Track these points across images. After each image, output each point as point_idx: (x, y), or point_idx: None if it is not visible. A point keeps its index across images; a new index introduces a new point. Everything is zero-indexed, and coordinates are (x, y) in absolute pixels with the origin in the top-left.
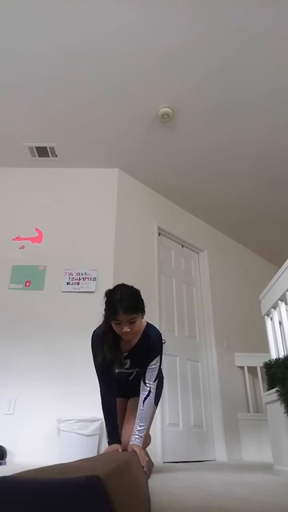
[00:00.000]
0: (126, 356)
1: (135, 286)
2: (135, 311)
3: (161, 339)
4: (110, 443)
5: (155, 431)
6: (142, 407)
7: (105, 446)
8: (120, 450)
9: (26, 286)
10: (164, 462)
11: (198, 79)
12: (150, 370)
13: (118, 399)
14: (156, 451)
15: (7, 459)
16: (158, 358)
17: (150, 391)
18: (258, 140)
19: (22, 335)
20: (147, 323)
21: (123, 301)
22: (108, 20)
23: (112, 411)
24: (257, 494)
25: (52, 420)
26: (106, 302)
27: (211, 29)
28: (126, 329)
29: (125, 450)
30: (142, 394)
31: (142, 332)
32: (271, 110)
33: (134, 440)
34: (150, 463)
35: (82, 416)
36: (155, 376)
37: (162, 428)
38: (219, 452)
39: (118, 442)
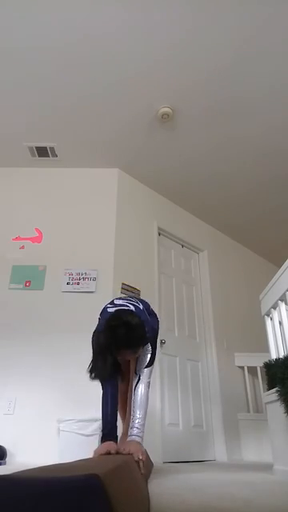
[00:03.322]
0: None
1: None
2: (139, 347)
3: (154, 330)
4: (103, 439)
5: (155, 431)
6: (134, 394)
7: None
8: (113, 452)
9: (26, 286)
10: (164, 462)
11: (198, 79)
12: (142, 356)
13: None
14: (156, 451)
15: (7, 459)
16: (149, 348)
17: (139, 378)
18: (258, 140)
19: (22, 335)
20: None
21: (126, 341)
22: (108, 20)
23: (110, 402)
24: (257, 494)
25: (52, 420)
26: (108, 335)
27: (211, 28)
28: (129, 356)
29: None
30: (133, 382)
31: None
32: (271, 109)
33: (132, 433)
34: (150, 463)
35: (81, 416)
36: (146, 363)
37: (162, 428)
38: (219, 452)
39: (113, 437)
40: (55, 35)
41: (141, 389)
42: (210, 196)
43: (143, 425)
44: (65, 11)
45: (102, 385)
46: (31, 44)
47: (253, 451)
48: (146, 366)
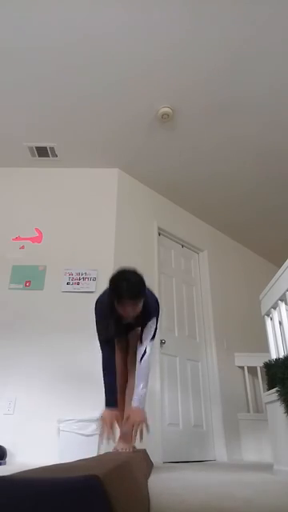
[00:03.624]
0: (128, 326)
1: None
2: (140, 298)
3: (157, 303)
4: (106, 404)
5: (155, 431)
6: (139, 366)
7: (105, 446)
8: (118, 420)
9: (26, 286)
10: (164, 462)
11: (198, 79)
12: (147, 329)
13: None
14: (156, 451)
15: (7, 459)
16: (154, 320)
17: (145, 350)
18: (258, 139)
19: (22, 335)
20: None
21: (129, 291)
22: (108, 20)
23: (111, 370)
24: (257, 495)
25: (52, 420)
26: (110, 288)
27: (211, 28)
28: (130, 311)
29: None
30: (139, 354)
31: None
32: (271, 109)
33: (134, 401)
34: (150, 463)
35: (81, 416)
36: (151, 335)
37: (162, 428)
38: (219, 452)
39: (115, 404)
40: (55, 35)
41: (146, 361)
42: (210, 196)
43: (145, 393)
44: (65, 11)
45: (102, 350)
46: (31, 44)
47: (253, 451)
48: (152, 338)
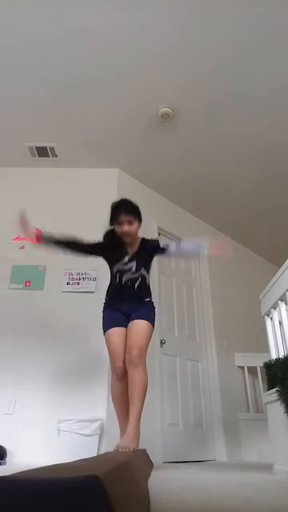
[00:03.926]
0: (130, 259)
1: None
2: (133, 213)
3: (157, 240)
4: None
5: (155, 431)
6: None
7: (105, 446)
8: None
9: (26, 286)
10: (164, 462)
11: (198, 79)
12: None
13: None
14: (156, 451)
15: (7, 459)
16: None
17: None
18: (258, 139)
19: (21, 335)
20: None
21: (123, 205)
22: (108, 21)
23: (72, 243)
24: (257, 495)
25: (52, 420)
26: (111, 211)
27: (211, 28)
28: (126, 227)
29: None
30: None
31: (140, 240)
32: (271, 108)
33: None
34: (150, 463)
35: (81, 416)
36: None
37: (162, 428)
38: (219, 452)
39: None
40: (55, 35)
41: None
42: (210, 196)
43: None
44: (64, 12)
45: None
46: (31, 44)
47: (253, 451)
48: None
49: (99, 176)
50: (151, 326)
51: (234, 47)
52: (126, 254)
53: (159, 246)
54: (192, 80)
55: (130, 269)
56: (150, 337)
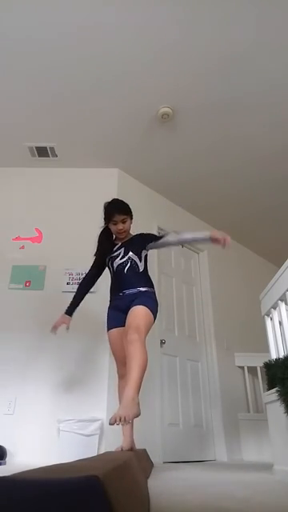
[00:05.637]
0: (119, 247)
1: None
2: (126, 213)
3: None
4: (65, 312)
5: (155, 431)
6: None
7: (105, 446)
8: (66, 323)
9: (26, 286)
10: (164, 462)
11: (198, 79)
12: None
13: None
14: (156, 451)
15: (7, 459)
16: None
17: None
18: (258, 139)
19: (21, 335)
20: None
21: (116, 205)
22: (108, 21)
23: (83, 289)
24: (257, 494)
25: (52, 420)
26: (104, 212)
27: (211, 28)
28: (120, 226)
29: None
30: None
31: (133, 235)
32: (271, 108)
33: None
34: (150, 463)
35: (81, 416)
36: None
37: (162, 428)
38: (219, 452)
39: (70, 315)
40: (55, 35)
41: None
42: (210, 196)
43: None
44: (64, 12)
45: (88, 271)
46: (31, 44)
47: (253, 451)
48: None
49: (99, 176)
50: (149, 310)
51: (235, 47)
52: (116, 244)
53: (155, 235)
54: (192, 80)
55: (119, 255)
56: (149, 321)
